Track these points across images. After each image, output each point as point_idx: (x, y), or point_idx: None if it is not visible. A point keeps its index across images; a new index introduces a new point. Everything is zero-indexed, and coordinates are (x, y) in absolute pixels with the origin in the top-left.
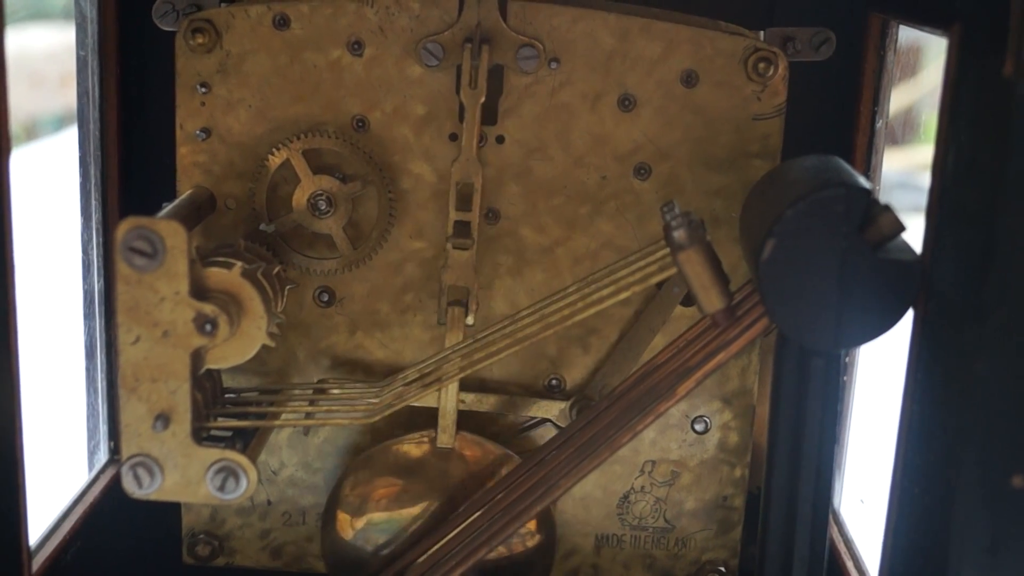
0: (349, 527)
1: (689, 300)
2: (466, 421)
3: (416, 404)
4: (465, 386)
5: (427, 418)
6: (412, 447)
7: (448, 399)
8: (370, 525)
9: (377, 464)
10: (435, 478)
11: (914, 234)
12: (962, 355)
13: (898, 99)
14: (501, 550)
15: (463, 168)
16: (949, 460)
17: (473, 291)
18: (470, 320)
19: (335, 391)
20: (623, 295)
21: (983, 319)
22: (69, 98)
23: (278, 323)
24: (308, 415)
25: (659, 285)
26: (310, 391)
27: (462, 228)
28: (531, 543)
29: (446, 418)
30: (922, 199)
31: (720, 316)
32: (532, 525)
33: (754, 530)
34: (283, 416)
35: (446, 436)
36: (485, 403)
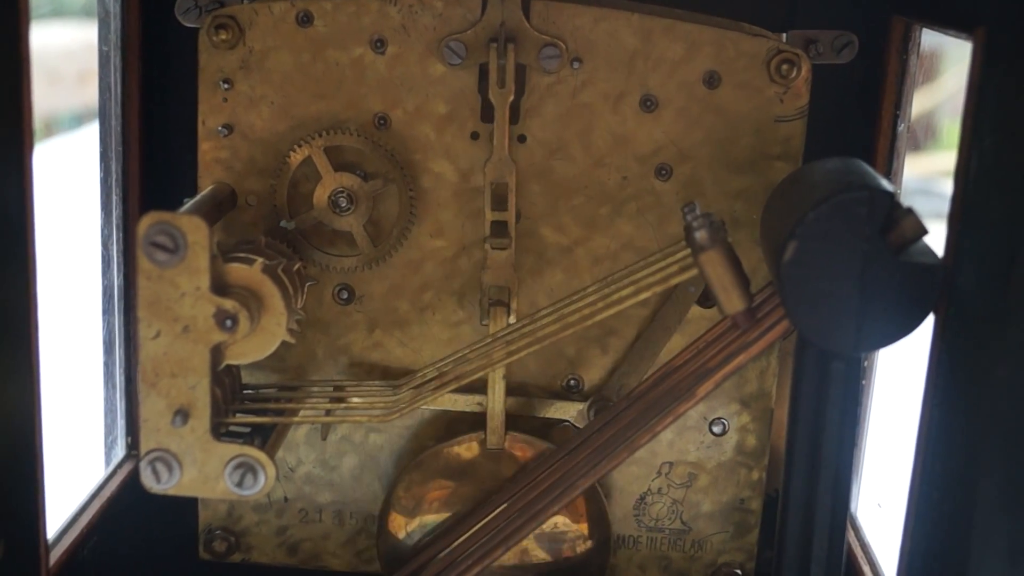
0: (403, 529)
1: (706, 300)
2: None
3: (453, 409)
4: (482, 387)
5: (466, 425)
6: (463, 449)
7: (495, 400)
8: (423, 526)
9: (429, 467)
10: (487, 479)
11: (934, 241)
12: (983, 360)
13: (918, 104)
14: (559, 551)
15: (496, 168)
16: (969, 465)
17: (514, 290)
18: (512, 319)
19: (353, 389)
20: (643, 295)
21: (1004, 324)
22: (87, 95)
23: (298, 320)
24: (327, 412)
25: (675, 285)
26: (329, 388)
27: (499, 228)
28: (583, 547)
29: (495, 419)
30: (942, 205)
31: (741, 318)
32: (585, 528)
33: (770, 533)
34: (301, 413)
35: (495, 437)
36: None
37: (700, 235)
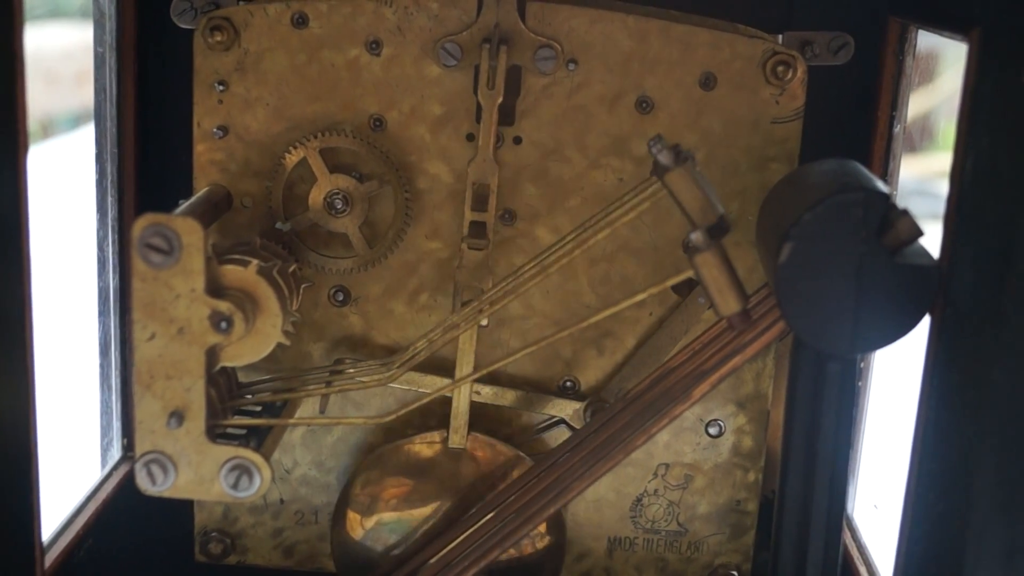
0: (359, 526)
1: (686, 290)
2: (479, 423)
3: (430, 400)
4: (482, 380)
5: (440, 419)
6: (424, 447)
7: (461, 400)
8: (380, 525)
9: (388, 463)
10: (446, 479)
11: (930, 241)
12: (979, 361)
13: (914, 106)
14: (511, 551)
15: (479, 168)
16: (965, 466)
17: (487, 291)
18: (484, 321)
19: (350, 372)
20: (639, 297)
21: (1000, 325)
22: (85, 96)
23: (293, 321)
24: (328, 384)
25: (680, 292)
26: (326, 373)
27: (478, 228)
28: (541, 544)
29: (458, 419)
30: (938, 206)
31: (736, 319)
32: (543, 527)
33: (767, 535)
34: (298, 414)
35: (458, 436)
36: (502, 397)
37: (663, 156)
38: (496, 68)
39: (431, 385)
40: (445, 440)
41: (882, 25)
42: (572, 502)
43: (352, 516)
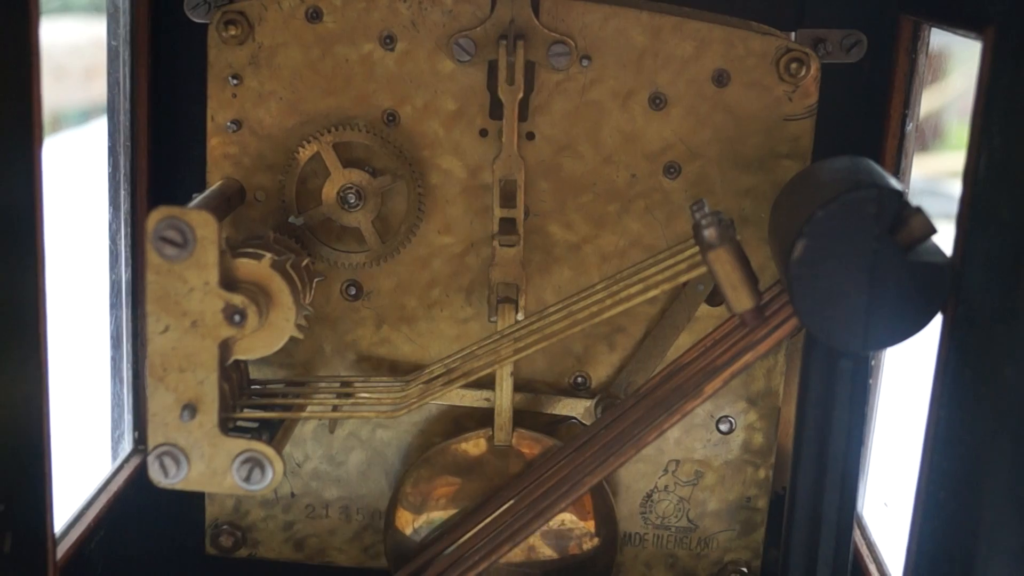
0: (410, 525)
1: (714, 298)
2: (488, 423)
3: (461, 404)
4: (489, 383)
5: (474, 421)
6: (470, 446)
7: (503, 397)
8: (430, 522)
9: (436, 463)
10: (494, 475)
11: (941, 241)
12: (991, 359)
13: (924, 105)
14: (564, 549)
15: (505, 164)
16: (976, 465)
17: (522, 287)
18: (520, 316)
19: (361, 385)
20: (651, 293)
21: (1013, 323)
22: (93, 91)
23: (306, 315)
24: (335, 408)
25: (684, 283)
26: (337, 384)
27: (508, 225)
28: (591, 544)
29: (502, 416)
30: (948, 206)
31: (749, 316)
32: (592, 525)
33: (777, 532)
34: (309, 408)
35: (503, 434)
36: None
37: (709, 233)
38: (515, 64)
39: (446, 396)
40: (491, 438)
41: (895, 23)
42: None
43: (403, 514)
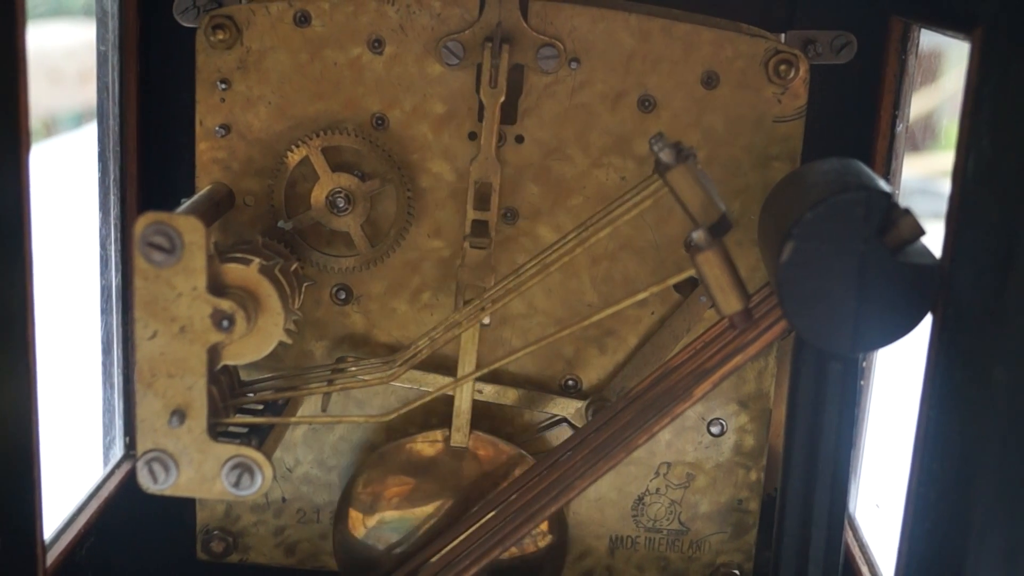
0: (361, 525)
1: (689, 289)
2: (481, 422)
3: (432, 398)
4: (484, 379)
5: (442, 418)
6: (426, 446)
7: (463, 399)
8: (382, 523)
9: (390, 462)
10: (448, 477)
11: (934, 240)
12: (980, 360)
13: (918, 105)
14: (513, 550)
15: (482, 167)
16: (966, 466)
17: (489, 290)
18: (486, 320)
19: (351, 369)
20: (640, 296)
21: (1002, 324)
22: (89, 95)
23: (295, 320)
24: (329, 383)
25: (683, 291)
26: (328, 372)
27: (480, 227)
28: (543, 543)
29: (460, 417)
30: (942, 205)
31: (738, 318)
32: (544, 525)
33: (769, 534)
34: (300, 412)
35: (460, 435)
36: (504, 396)
37: (664, 154)
38: (498, 67)
39: (433, 384)
40: (447, 439)
41: (885, 24)
42: (574, 501)
43: (354, 515)
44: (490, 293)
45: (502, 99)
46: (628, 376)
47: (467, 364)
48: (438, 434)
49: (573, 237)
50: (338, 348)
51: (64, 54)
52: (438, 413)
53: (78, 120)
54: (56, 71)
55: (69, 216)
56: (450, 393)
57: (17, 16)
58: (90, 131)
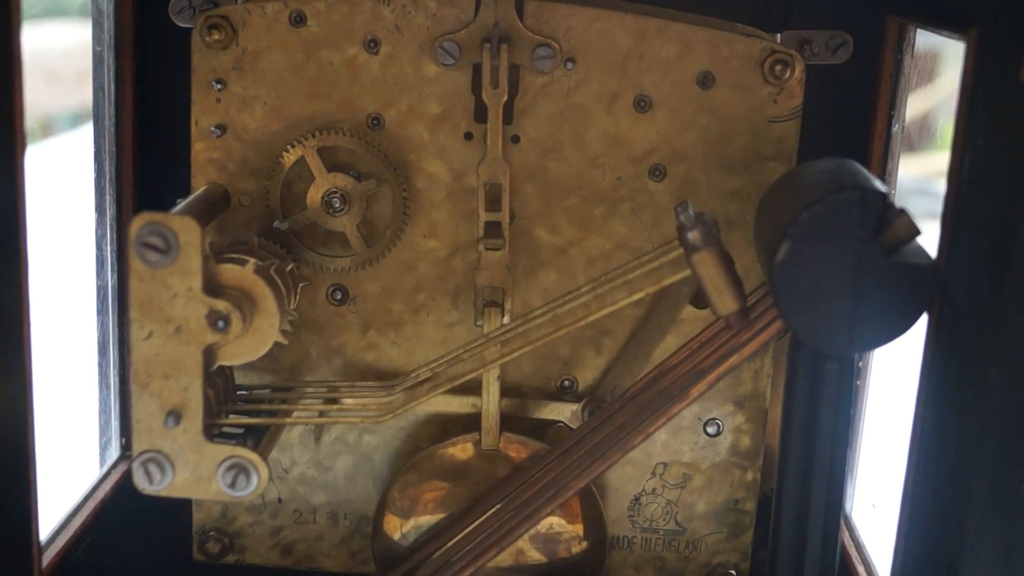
0: (398, 530)
1: (699, 301)
2: (476, 426)
3: (447, 411)
4: (476, 388)
5: (461, 426)
6: (458, 450)
7: (490, 401)
8: (418, 527)
9: (424, 468)
10: (482, 480)
11: (930, 240)
12: (976, 360)
13: (915, 105)
14: (554, 553)
15: (490, 168)
16: (962, 466)
17: (508, 291)
18: (506, 319)
19: (347, 391)
20: (636, 296)
21: (998, 324)
22: (86, 95)
23: (291, 321)
24: (321, 413)
25: (698, 304)
26: (323, 390)
27: (493, 228)
28: (580, 548)
29: (489, 420)
30: (938, 205)
31: (734, 318)
32: (580, 529)
33: (765, 534)
34: (295, 414)
35: (490, 438)
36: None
37: (693, 235)
38: (499, 67)
39: (433, 403)
40: (478, 443)
41: (880, 24)
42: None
43: (391, 519)
44: (498, 334)
45: (504, 99)
46: (619, 373)
47: (491, 379)
48: (469, 439)
49: (587, 291)
50: (334, 348)
51: (61, 54)
52: (459, 421)
53: (75, 121)
54: (53, 72)
55: (66, 217)
56: (471, 409)
57: (12, 16)
58: (87, 132)
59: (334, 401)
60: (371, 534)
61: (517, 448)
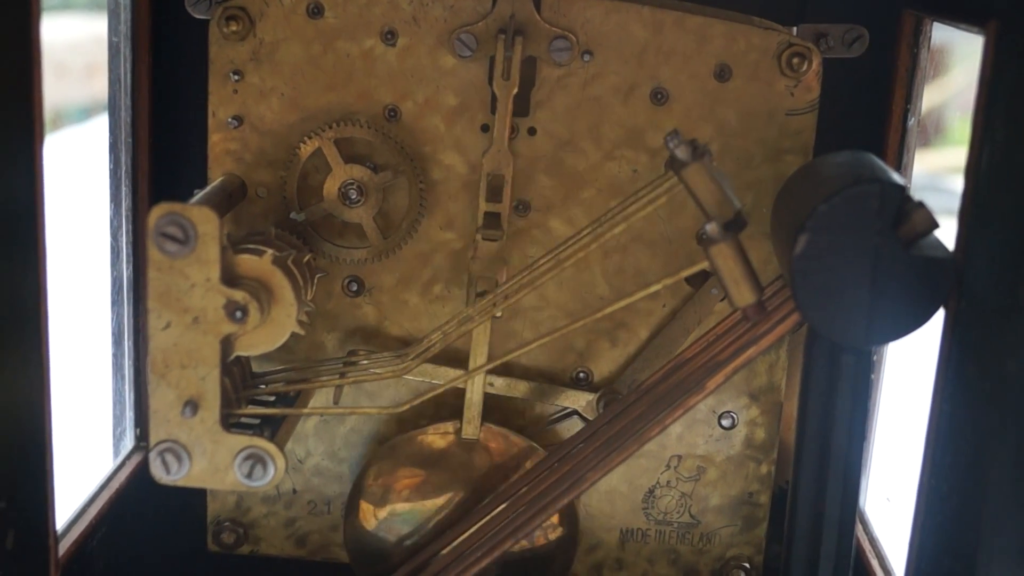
0: (372, 517)
1: (699, 281)
2: (492, 414)
3: (443, 390)
4: (495, 371)
5: (453, 410)
6: (436, 438)
7: (474, 391)
8: (392, 515)
9: (401, 454)
10: (459, 469)
11: (944, 237)
12: (993, 354)
13: (927, 100)
14: (523, 543)
15: (494, 159)
16: (979, 460)
17: (501, 281)
18: (498, 312)
19: (363, 362)
20: (652, 288)
21: (1015, 317)
22: (94, 88)
23: (307, 311)
24: (342, 375)
25: (694, 284)
26: (340, 364)
27: (492, 219)
28: (553, 536)
29: (471, 409)
30: (950, 201)
31: (751, 310)
32: (555, 518)
33: (779, 527)
34: (311, 403)
35: (471, 427)
36: (514, 389)
37: (680, 151)
38: (511, 59)
39: (444, 376)
40: (458, 431)
41: (897, 18)
42: (584, 493)
43: (365, 507)
44: (503, 288)
45: (515, 91)
46: (639, 369)
47: (479, 357)
48: (449, 426)
49: (587, 232)
50: (350, 340)
51: (70, 48)
52: (449, 405)
53: (84, 114)
54: (62, 65)
55: (76, 209)
56: (461, 386)
57: (32, 10)
58: (96, 125)
59: (353, 364)
60: (343, 522)
61: (497, 440)
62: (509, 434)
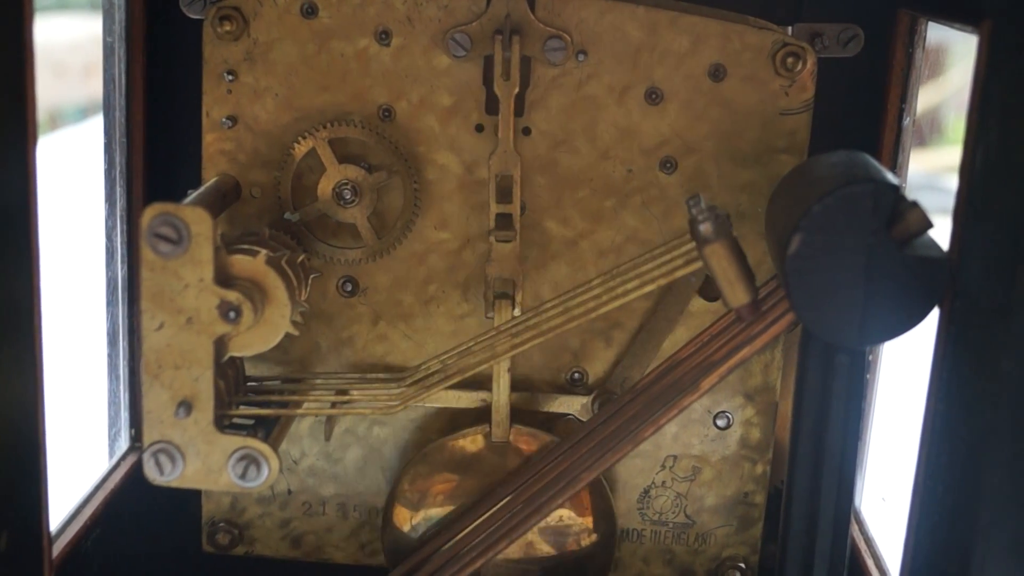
0: (408, 522)
1: (707, 290)
2: (485, 419)
3: (457, 406)
4: (486, 383)
5: (470, 418)
6: (468, 442)
7: (500, 393)
8: (428, 519)
9: (434, 460)
10: (492, 471)
11: (939, 236)
12: (988, 353)
13: (922, 100)
14: (562, 545)
15: (501, 160)
16: (973, 459)
17: (519, 283)
18: (517, 312)
19: (357, 384)
20: (647, 288)
21: (1010, 317)
22: (92, 88)
23: (301, 312)
24: (333, 405)
25: (706, 295)
26: (333, 383)
27: (504, 220)
28: (589, 540)
29: (500, 412)
30: (946, 201)
31: (745, 310)
32: (590, 522)
33: (774, 527)
34: (305, 405)
35: (500, 430)
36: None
37: (705, 228)
38: (510, 59)
39: (442, 398)
40: (488, 434)
41: (892, 17)
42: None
43: (401, 511)
44: (508, 327)
45: (516, 91)
46: (628, 365)
47: (501, 371)
48: (479, 431)
49: (598, 284)
50: (344, 340)
51: (68, 48)
52: (468, 414)
53: (82, 114)
54: (60, 65)
55: (72, 209)
56: (486, 400)
57: (25, 10)
58: (94, 124)
59: (344, 393)
60: (380, 526)
61: (527, 440)
62: (538, 433)
